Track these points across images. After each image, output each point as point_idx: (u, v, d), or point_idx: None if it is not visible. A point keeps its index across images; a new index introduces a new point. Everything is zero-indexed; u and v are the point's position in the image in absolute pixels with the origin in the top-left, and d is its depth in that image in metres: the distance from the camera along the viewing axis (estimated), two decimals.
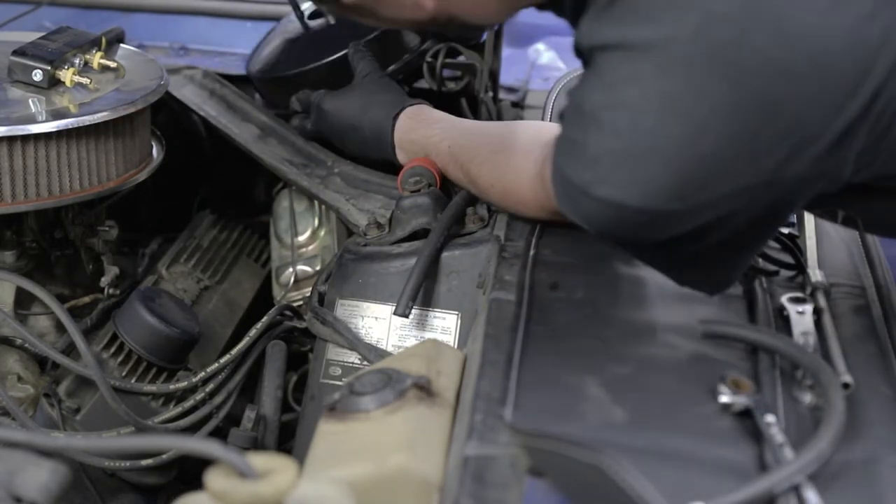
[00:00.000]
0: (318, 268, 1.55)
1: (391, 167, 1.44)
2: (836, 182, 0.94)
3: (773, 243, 1.20)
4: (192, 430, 1.31)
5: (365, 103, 1.44)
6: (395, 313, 1.23)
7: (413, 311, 1.26)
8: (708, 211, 0.94)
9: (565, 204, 0.99)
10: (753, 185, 0.91)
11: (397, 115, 1.40)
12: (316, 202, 1.57)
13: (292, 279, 1.54)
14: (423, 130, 1.39)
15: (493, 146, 1.30)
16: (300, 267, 1.55)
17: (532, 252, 1.19)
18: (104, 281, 1.39)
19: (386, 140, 1.40)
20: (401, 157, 1.41)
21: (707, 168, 0.90)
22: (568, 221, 1.01)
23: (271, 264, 1.61)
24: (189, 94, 1.61)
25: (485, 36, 1.64)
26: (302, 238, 1.59)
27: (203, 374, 1.32)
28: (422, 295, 1.28)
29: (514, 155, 1.27)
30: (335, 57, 1.57)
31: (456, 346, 1.26)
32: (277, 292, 1.56)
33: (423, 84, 1.67)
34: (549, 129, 1.13)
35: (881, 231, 1.19)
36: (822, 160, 0.90)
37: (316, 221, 1.60)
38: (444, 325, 1.28)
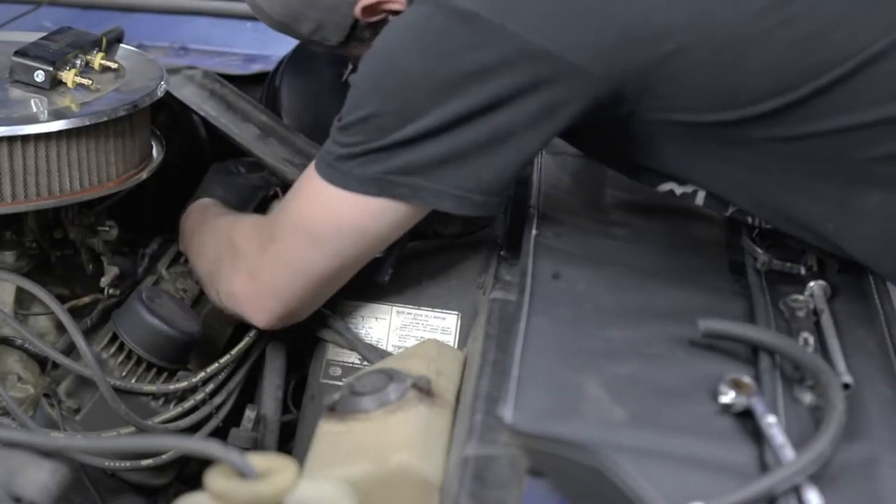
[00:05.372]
0: None
1: None
2: None
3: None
4: (193, 430, 1.30)
5: None
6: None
7: (413, 311, 1.26)
8: None
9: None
10: None
11: None
12: None
13: None
14: None
15: None
16: None
17: (535, 233, 1.19)
18: (104, 281, 1.38)
19: None
20: None
21: None
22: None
23: None
24: (189, 94, 1.61)
25: None
26: None
27: (203, 374, 1.32)
28: (422, 295, 1.28)
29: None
30: None
31: (456, 346, 1.26)
32: None
33: None
34: None
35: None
36: None
37: None
38: (444, 325, 1.28)
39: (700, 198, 1.18)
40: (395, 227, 1.15)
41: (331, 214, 1.14)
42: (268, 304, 1.22)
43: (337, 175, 1.12)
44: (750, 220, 1.20)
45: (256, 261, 1.22)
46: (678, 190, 1.19)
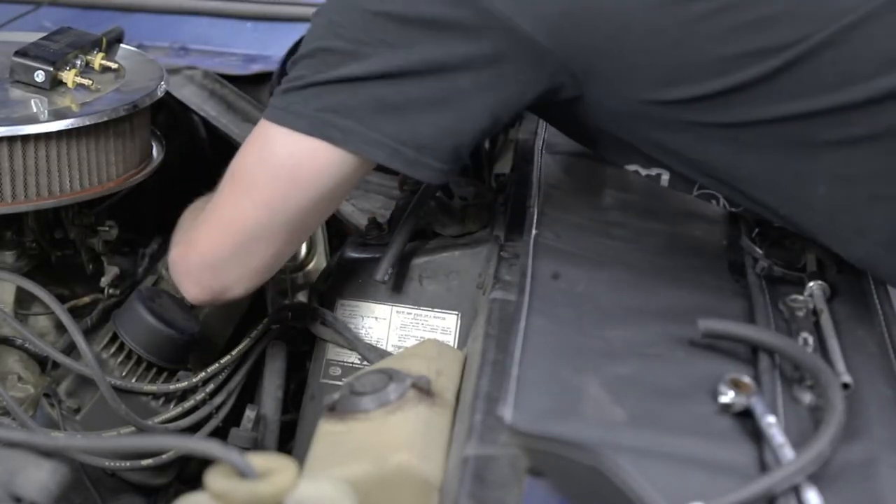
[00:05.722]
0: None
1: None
2: None
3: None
4: (193, 430, 1.31)
5: None
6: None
7: (413, 311, 1.26)
8: None
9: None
10: None
11: None
12: None
13: None
14: None
15: None
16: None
17: (534, 233, 1.19)
18: (104, 281, 1.39)
19: None
20: None
21: None
22: None
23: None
24: (189, 94, 1.61)
25: None
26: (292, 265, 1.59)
27: (203, 374, 1.32)
28: (422, 295, 1.28)
29: None
30: None
31: (456, 346, 1.26)
32: None
33: None
34: None
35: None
36: None
37: (304, 248, 1.60)
38: (444, 325, 1.28)
39: (664, 180, 1.19)
40: (327, 178, 1.11)
41: (265, 152, 1.11)
42: (194, 267, 1.18)
43: (277, 112, 1.10)
44: (714, 202, 1.21)
45: (197, 226, 1.18)
46: (643, 171, 1.19)
